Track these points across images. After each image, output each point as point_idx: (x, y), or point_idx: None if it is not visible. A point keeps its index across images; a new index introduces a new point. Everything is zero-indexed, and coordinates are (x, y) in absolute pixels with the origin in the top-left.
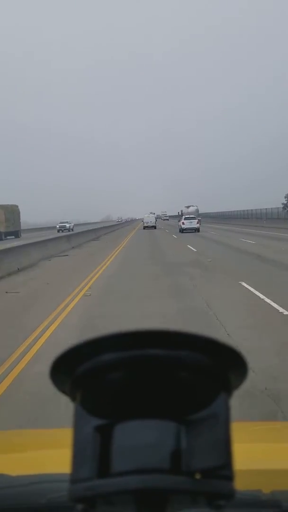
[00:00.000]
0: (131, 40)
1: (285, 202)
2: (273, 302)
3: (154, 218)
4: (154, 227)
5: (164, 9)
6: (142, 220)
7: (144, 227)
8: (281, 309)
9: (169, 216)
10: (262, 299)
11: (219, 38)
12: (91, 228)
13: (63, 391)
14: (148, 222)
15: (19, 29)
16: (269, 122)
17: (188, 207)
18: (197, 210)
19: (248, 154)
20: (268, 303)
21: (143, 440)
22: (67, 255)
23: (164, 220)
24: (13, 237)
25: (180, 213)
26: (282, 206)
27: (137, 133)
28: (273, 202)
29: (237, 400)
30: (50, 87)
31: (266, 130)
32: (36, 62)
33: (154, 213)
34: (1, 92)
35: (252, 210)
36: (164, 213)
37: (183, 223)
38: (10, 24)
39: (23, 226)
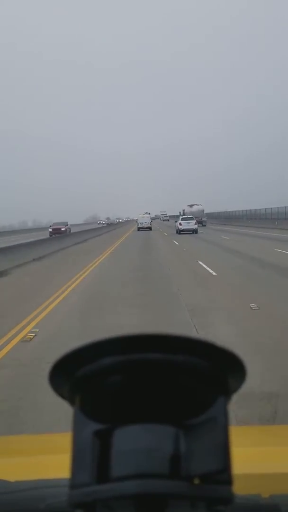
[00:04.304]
0: (130, 49)
1: None
2: (209, 268)
3: (149, 219)
4: (149, 228)
5: (159, 16)
6: (136, 220)
7: (139, 229)
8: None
9: (170, 217)
10: (204, 267)
11: (221, 43)
12: None
13: (61, 395)
14: (142, 223)
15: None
16: (272, 124)
17: (191, 206)
18: (202, 210)
19: (252, 154)
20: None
21: (142, 444)
22: None
23: (164, 220)
24: None
25: (182, 213)
26: None
27: (137, 134)
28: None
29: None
30: (46, 92)
31: (272, 129)
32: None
33: (149, 213)
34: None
35: (271, 208)
36: (164, 213)
37: (180, 224)
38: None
39: None
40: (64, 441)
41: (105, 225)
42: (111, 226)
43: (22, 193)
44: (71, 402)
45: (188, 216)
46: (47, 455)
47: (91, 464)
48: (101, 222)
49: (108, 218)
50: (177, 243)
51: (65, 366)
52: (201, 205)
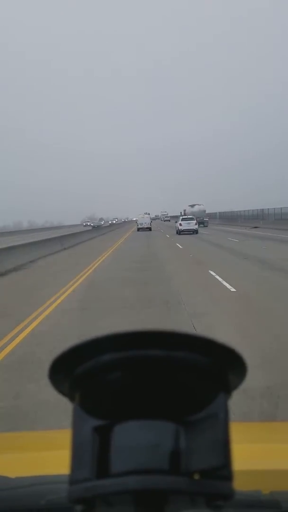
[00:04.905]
0: (133, 49)
1: None
2: (167, 235)
3: (149, 219)
4: (149, 228)
5: (160, 19)
6: (136, 221)
7: (138, 229)
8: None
9: (171, 217)
10: (166, 235)
11: (223, 43)
12: None
13: (61, 391)
14: (142, 224)
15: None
16: (276, 122)
17: (192, 206)
18: (203, 210)
19: (255, 153)
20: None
21: (142, 440)
22: None
23: (164, 221)
24: None
25: (183, 213)
26: None
27: (137, 134)
28: None
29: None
30: (44, 93)
31: (276, 127)
32: (34, 73)
33: (149, 214)
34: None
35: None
36: (165, 214)
37: (180, 224)
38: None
39: None
40: (63, 437)
41: (91, 228)
42: (101, 229)
43: (19, 194)
44: (71, 398)
45: (189, 217)
46: (47, 451)
47: (91, 460)
48: (88, 224)
49: (101, 219)
50: (232, 289)
51: (65, 363)
52: (202, 205)
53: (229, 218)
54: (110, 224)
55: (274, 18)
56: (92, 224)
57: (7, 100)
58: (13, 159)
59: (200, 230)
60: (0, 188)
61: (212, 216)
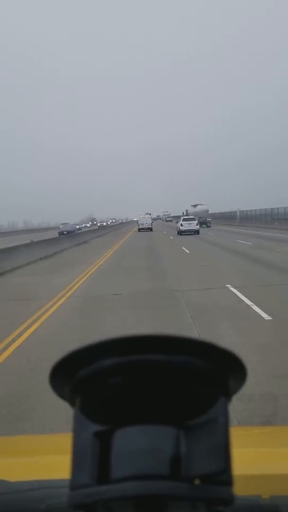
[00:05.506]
0: (133, 49)
1: None
2: (186, 249)
3: (150, 219)
4: (150, 229)
5: (159, 20)
6: (137, 221)
7: (139, 229)
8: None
9: (173, 217)
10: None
11: (225, 43)
12: None
13: (62, 396)
14: (143, 224)
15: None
16: (280, 120)
17: (195, 206)
18: (206, 210)
19: (257, 153)
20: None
21: (142, 446)
22: None
23: (166, 221)
24: None
25: (185, 213)
26: None
27: (138, 134)
28: None
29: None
30: (45, 94)
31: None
32: (32, 73)
33: (149, 214)
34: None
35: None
36: (166, 214)
37: (181, 225)
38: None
39: None
40: (64, 441)
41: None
42: (76, 237)
43: (19, 194)
44: (72, 403)
45: (190, 217)
46: (48, 456)
47: (91, 465)
48: (63, 230)
49: (93, 219)
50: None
51: (65, 367)
52: (205, 205)
53: (239, 218)
54: (99, 226)
55: (275, 17)
56: (60, 231)
57: (6, 100)
58: (13, 160)
59: (242, 240)
60: (5, 188)
61: (232, 215)
